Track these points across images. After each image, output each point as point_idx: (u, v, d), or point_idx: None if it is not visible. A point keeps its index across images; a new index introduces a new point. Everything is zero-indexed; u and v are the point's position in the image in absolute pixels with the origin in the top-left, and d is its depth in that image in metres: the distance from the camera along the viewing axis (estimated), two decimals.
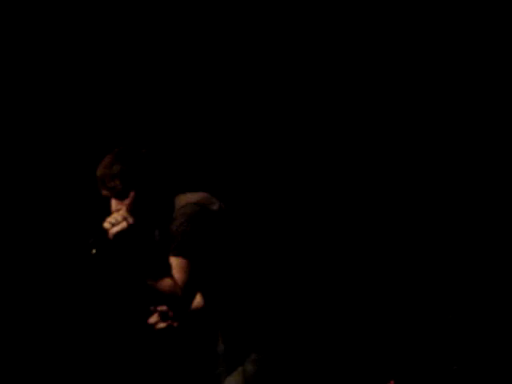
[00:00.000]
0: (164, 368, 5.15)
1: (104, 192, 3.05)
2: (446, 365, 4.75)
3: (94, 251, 2.93)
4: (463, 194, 5.05)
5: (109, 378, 5.08)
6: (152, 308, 3.18)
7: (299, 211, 5.15)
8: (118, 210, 3.01)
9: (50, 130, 5.03)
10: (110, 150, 3.11)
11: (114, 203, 3.04)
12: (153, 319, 3.20)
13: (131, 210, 3.01)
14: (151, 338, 4.86)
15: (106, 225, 2.97)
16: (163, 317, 3.18)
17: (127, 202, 3.02)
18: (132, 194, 3.02)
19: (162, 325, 3.20)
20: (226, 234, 3.08)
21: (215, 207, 3.08)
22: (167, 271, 2.99)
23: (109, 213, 3.02)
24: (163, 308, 3.17)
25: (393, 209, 5.10)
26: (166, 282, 2.97)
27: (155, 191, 3.07)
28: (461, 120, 5.04)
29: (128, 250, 2.98)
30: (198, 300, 3.26)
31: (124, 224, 2.96)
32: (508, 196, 4.94)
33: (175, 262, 2.99)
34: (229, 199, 3.20)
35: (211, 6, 4.93)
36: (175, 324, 3.20)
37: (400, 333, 5.07)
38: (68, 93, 4.97)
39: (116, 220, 2.97)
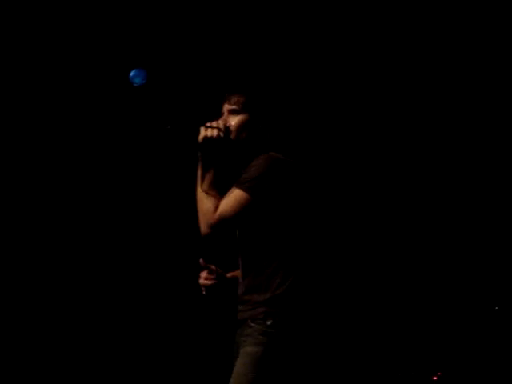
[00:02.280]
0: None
1: (225, 106, 3.19)
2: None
3: (168, 127, 3.08)
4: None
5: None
6: (202, 261, 3.23)
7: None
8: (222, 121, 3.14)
9: None
10: None
11: (224, 118, 3.18)
12: (203, 274, 3.25)
13: (235, 129, 3.14)
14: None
15: (203, 127, 3.10)
16: (210, 274, 3.24)
17: (237, 120, 3.15)
18: (244, 115, 3.15)
19: (206, 282, 3.24)
20: (293, 198, 3.08)
21: (297, 169, 3.12)
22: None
23: None
24: (212, 266, 3.24)
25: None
26: (210, 202, 3.02)
27: (262, 128, 3.18)
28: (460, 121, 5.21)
29: (207, 159, 3.09)
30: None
31: (215, 132, 3.08)
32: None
33: (235, 191, 3.02)
34: None
35: None
36: (218, 283, 3.24)
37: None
38: None
39: (212, 125, 3.10)
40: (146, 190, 5.53)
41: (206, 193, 3.05)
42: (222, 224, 3.02)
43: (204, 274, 3.27)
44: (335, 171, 5.41)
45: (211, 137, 3.08)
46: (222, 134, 3.10)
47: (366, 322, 5.40)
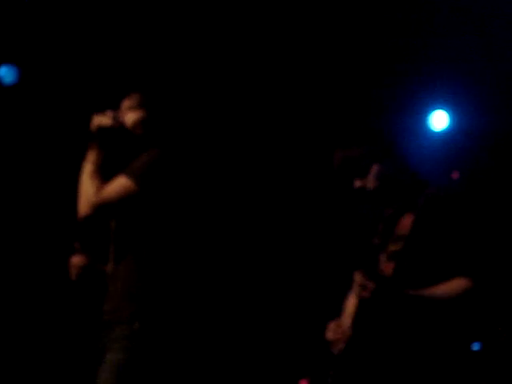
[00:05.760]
0: None
1: (124, 103, 3.13)
2: None
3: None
4: None
5: None
6: (77, 245, 3.18)
7: None
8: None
9: None
10: None
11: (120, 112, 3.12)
12: (75, 257, 3.18)
13: (130, 125, 3.07)
14: None
15: (96, 114, 3.07)
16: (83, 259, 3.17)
17: (133, 116, 3.10)
18: (141, 112, 3.09)
19: (77, 265, 3.17)
20: (178, 198, 3.04)
21: (187, 167, 3.09)
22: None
23: None
24: (86, 255, 3.19)
25: None
26: (94, 184, 2.96)
27: (159, 126, 3.14)
28: None
29: (97, 146, 3.04)
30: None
31: (108, 121, 3.05)
32: None
33: (122, 178, 2.96)
34: None
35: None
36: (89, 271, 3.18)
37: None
38: None
39: (105, 114, 3.07)
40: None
41: (91, 178, 2.98)
42: (104, 207, 2.95)
43: (76, 258, 3.19)
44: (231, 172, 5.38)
45: (104, 125, 3.05)
46: (115, 125, 3.07)
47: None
